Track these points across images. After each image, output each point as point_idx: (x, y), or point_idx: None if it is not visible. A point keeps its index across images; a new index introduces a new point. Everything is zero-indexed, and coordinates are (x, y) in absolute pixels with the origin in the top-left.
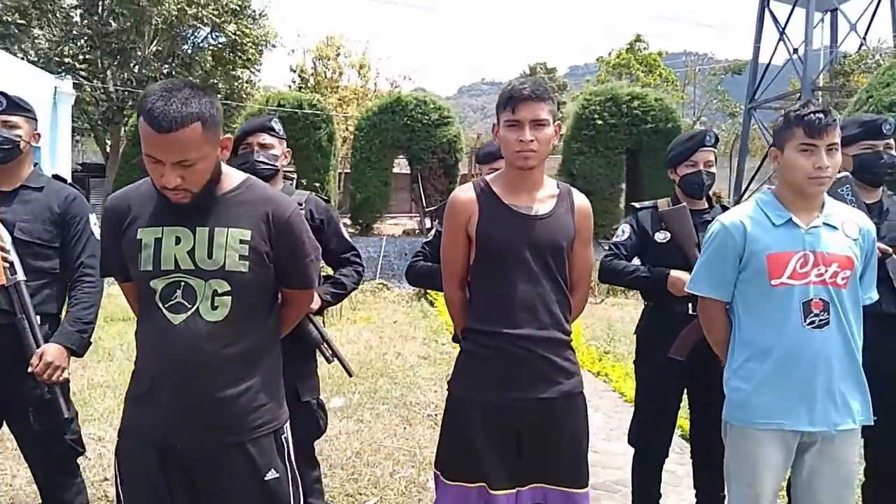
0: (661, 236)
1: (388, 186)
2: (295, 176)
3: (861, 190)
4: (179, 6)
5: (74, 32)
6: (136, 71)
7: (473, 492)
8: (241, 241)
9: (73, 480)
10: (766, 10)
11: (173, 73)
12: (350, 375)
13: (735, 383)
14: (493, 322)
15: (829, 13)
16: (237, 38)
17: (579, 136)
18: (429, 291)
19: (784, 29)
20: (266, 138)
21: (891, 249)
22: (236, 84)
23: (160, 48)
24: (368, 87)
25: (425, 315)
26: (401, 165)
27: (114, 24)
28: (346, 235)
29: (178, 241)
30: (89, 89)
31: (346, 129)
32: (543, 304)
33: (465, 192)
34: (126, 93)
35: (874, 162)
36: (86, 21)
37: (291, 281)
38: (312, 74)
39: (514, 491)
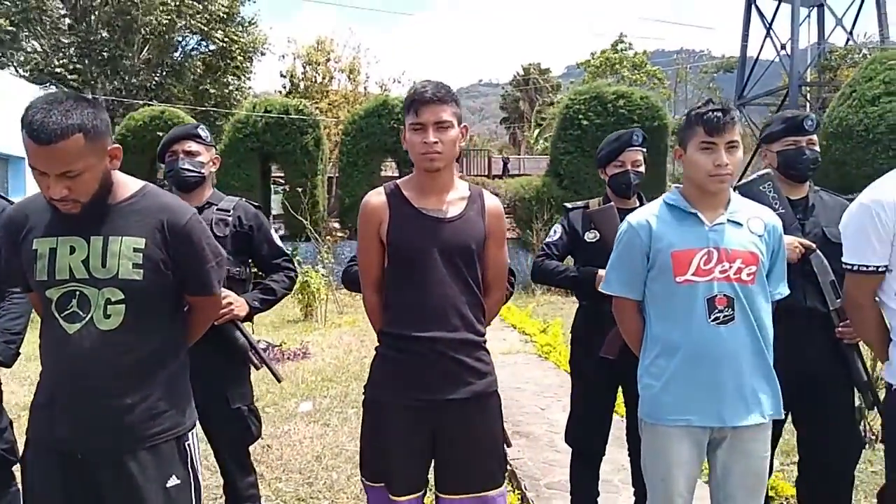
0: (591, 236)
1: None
2: (282, 181)
3: (786, 186)
4: (169, 18)
5: (64, 42)
6: (125, 80)
7: (378, 492)
8: (135, 250)
9: (7, 490)
10: (753, 7)
11: (163, 81)
12: (279, 381)
13: (646, 380)
14: (403, 325)
15: (815, 8)
16: (226, 45)
17: (565, 136)
18: None
19: (771, 25)
20: (192, 145)
21: (814, 245)
22: (226, 91)
23: (150, 57)
24: (359, 91)
25: None
26: (392, 168)
27: (104, 34)
28: (278, 241)
29: (72, 250)
30: None
31: (337, 134)
32: (453, 307)
33: (375, 197)
34: (116, 102)
35: (797, 158)
36: (74, 31)
37: (192, 288)
38: (302, 79)
39: (419, 495)
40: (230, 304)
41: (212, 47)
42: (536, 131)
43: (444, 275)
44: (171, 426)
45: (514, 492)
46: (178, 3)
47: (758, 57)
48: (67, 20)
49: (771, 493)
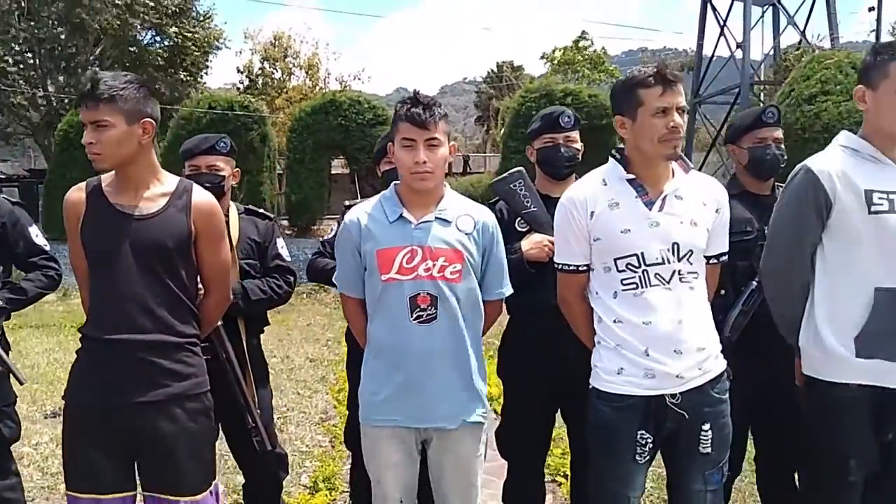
0: None
1: (323, 187)
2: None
3: (548, 183)
4: (123, 16)
5: (11, 35)
6: (78, 75)
7: (85, 502)
8: None
9: None
10: (709, 6)
11: None
12: (21, 384)
13: (362, 381)
14: (97, 328)
15: (770, 8)
16: (180, 41)
17: (515, 134)
18: None
19: (724, 23)
20: None
21: None
22: (180, 87)
23: (103, 53)
24: (319, 88)
25: (343, 318)
26: (342, 165)
27: (57, 29)
28: (37, 238)
29: None
30: (25, 94)
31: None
32: (146, 309)
33: (75, 192)
34: (66, 98)
35: (554, 155)
36: (23, 26)
37: None
38: (260, 75)
39: (130, 494)
40: None
41: (166, 43)
42: (502, 129)
43: (136, 275)
44: None
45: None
46: (129, 2)
47: (713, 56)
48: (16, 14)
49: None
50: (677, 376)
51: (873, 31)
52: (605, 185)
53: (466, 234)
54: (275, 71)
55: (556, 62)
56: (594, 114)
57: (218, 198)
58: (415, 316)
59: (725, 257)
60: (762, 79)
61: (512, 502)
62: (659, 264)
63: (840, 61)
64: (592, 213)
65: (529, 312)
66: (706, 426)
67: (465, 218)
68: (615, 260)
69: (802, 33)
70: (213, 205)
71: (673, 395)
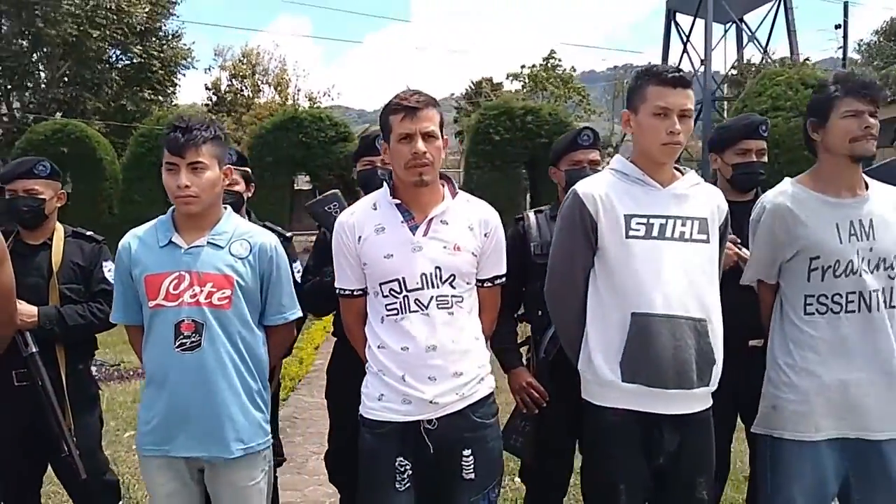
0: None
1: (285, 204)
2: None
3: None
4: (81, 30)
5: None
6: (38, 94)
7: None
8: None
9: None
10: (673, 23)
11: (79, 95)
12: None
13: (140, 409)
14: None
15: (733, 25)
16: (144, 59)
17: (476, 151)
18: None
19: (688, 39)
20: None
21: None
22: (143, 105)
23: (68, 71)
24: (290, 104)
25: None
26: (304, 182)
27: (18, 46)
28: None
29: None
30: None
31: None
32: None
33: None
34: (30, 116)
35: (370, 178)
36: None
37: None
38: (228, 92)
39: None
40: None
41: (132, 61)
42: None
43: None
44: None
45: None
46: (90, 14)
47: None
48: None
49: None
50: (431, 402)
51: (840, 48)
52: (375, 209)
53: (240, 258)
54: (243, 88)
55: (527, 79)
56: (555, 130)
57: (39, 221)
58: (178, 343)
59: (503, 279)
60: (727, 94)
61: None
62: (419, 289)
63: (790, 78)
64: (360, 237)
65: None
66: (467, 452)
67: (241, 242)
68: (380, 285)
69: (764, 50)
70: None
71: (429, 421)
